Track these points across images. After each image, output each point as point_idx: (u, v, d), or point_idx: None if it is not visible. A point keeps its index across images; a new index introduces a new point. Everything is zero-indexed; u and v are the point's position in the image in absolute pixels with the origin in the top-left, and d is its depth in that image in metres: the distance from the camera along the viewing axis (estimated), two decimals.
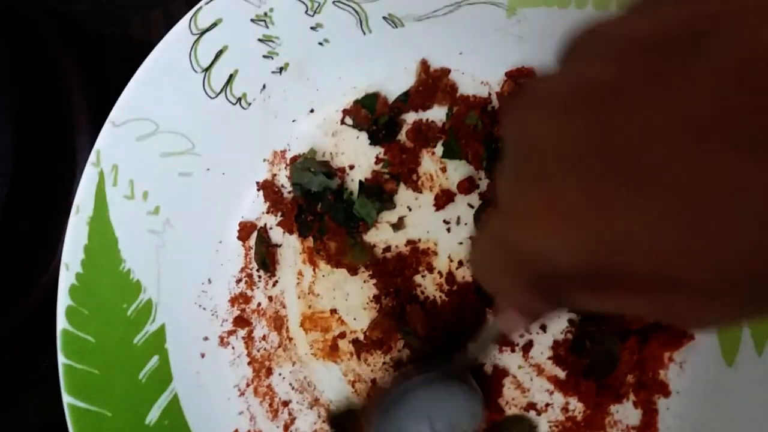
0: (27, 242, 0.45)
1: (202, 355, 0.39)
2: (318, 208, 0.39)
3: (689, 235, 0.13)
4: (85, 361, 0.35)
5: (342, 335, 0.39)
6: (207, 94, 0.37)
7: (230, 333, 0.40)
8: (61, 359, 0.35)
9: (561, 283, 0.16)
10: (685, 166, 0.12)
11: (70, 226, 0.35)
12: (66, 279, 0.35)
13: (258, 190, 0.40)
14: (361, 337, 0.38)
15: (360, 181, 0.38)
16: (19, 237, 0.44)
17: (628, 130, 0.13)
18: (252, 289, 0.41)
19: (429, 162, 0.38)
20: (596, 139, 0.13)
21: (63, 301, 0.35)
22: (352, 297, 0.39)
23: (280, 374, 0.40)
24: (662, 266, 0.13)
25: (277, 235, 0.41)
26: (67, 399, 0.34)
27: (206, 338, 0.40)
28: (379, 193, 0.38)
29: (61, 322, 0.35)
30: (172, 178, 0.38)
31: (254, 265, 0.40)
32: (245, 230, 0.40)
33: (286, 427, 0.39)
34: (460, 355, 0.32)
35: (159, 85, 0.36)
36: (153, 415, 0.37)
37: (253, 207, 0.41)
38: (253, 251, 0.40)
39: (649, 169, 0.13)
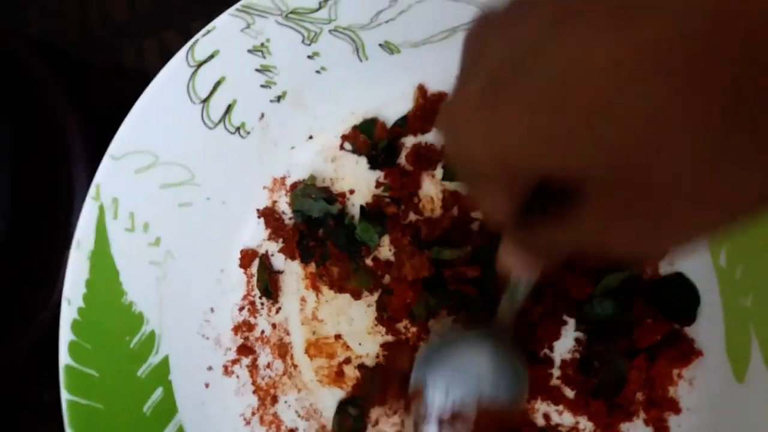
0: (25, 278, 0.45)
1: (207, 385, 0.39)
2: (319, 233, 0.39)
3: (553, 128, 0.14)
4: (89, 396, 0.35)
5: (347, 361, 0.38)
6: (206, 124, 0.37)
7: (234, 362, 0.40)
8: (65, 395, 0.34)
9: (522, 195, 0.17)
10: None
11: (71, 261, 0.35)
12: (68, 314, 0.35)
13: (259, 217, 0.40)
14: (367, 361, 0.38)
15: (361, 206, 0.38)
16: (18, 273, 0.44)
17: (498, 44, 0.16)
18: (255, 317, 0.40)
19: (429, 185, 0.38)
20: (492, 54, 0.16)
21: (65, 336, 0.35)
22: (357, 322, 0.39)
23: (285, 402, 0.39)
24: (561, 163, 0.15)
25: (278, 261, 0.40)
26: None
27: (210, 368, 0.39)
28: (380, 217, 0.38)
29: (64, 358, 0.35)
30: (173, 209, 0.38)
31: (256, 292, 0.40)
32: (247, 258, 0.40)
33: None
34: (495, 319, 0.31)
35: (157, 118, 0.36)
36: None
37: (254, 234, 0.40)
38: (255, 279, 0.40)
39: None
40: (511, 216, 0.18)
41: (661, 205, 0.15)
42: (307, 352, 0.39)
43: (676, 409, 0.31)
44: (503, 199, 0.18)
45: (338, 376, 0.38)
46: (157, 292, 0.38)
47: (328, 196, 0.39)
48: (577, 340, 0.34)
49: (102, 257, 0.36)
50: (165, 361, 0.38)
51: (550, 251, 0.20)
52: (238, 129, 0.38)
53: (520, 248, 0.22)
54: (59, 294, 0.45)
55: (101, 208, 0.35)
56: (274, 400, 0.39)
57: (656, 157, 0.14)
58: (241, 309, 0.40)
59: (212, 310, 0.40)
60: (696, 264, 0.33)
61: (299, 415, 0.39)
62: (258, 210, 0.40)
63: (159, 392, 0.37)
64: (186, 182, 0.38)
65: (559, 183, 0.16)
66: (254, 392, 0.40)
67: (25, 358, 0.47)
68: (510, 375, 0.31)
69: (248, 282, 0.41)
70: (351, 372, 0.38)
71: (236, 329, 0.40)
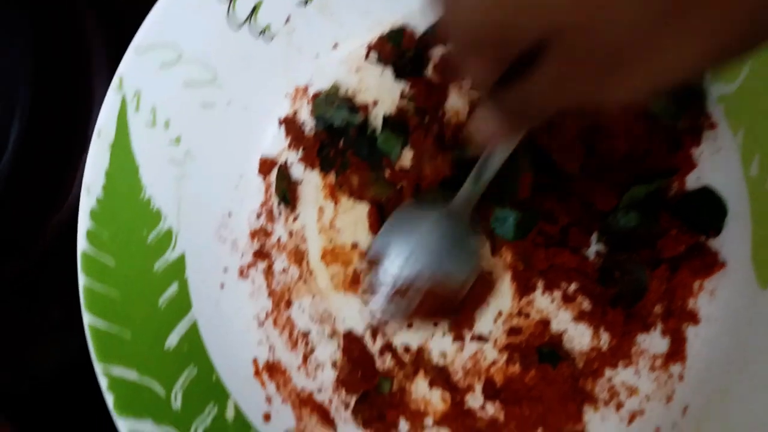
0: (41, 180, 0.45)
1: (222, 286, 0.39)
2: (340, 144, 0.39)
3: None
4: (106, 283, 0.35)
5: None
6: (231, 24, 0.37)
7: (250, 266, 0.40)
8: (82, 280, 0.35)
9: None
10: None
11: (91, 150, 0.35)
12: (87, 202, 0.35)
13: (279, 125, 0.40)
14: None
15: (384, 116, 0.37)
16: (34, 175, 0.44)
17: None
18: (272, 224, 0.40)
19: (456, 98, 0.37)
20: None
21: (84, 223, 0.35)
22: None
23: (299, 306, 0.39)
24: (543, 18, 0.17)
25: (297, 171, 0.40)
26: (88, 320, 0.34)
27: (226, 269, 0.40)
28: (403, 127, 0.37)
29: (82, 244, 0.35)
30: (194, 109, 0.38)
31: (274, 200, 0.40)
32: (266, 166, 0.40)
33: (305, 357, 0.39)
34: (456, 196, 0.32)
35: (183, 13, 0.36)
36: (172, 341, 0.37)
37: (274, 142, 0.40)
38: (273, 186, 0.40)
39: None
40: (492, 81, 0.20)
41: (613, 56, 0.17)
42: (323, 259, 0.39)
43: (695, 320, 0.31)
44: (490, 65, 0.20)
45: (353, 282, 0.38)
46: (175, 191, 0.38)
47: (351, 105, 0.38)
48: (597, 253, 0.34)
49: (122, 149, 0.36)
50: (181, 259, 0.38)
51: (523, 109, 0.22)
52: (263, 32, 0.38)
53: (496, 111, 0.23)
54: (75, 198, 0.46)
55: (123, 100, 0.35)
56: (288, 304, 0.40)
57: (610, 14, 0.16)
58: (259, 215, 0.40)
59: (230, 214, 0.40)
60: (724, 176, 0.32)
61: (312, 319, 0.39)
62: (279, 118, 0.40)
63: (174, 288, 0.38)
64: (209, 83, 0.38)
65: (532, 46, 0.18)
66: (269, 296, 0.40)
67: (36, 267, 0.48)
68: (464, 254, 0.33)
69: (266, 190, 0.40)
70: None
71: (253, 235, 0.40)
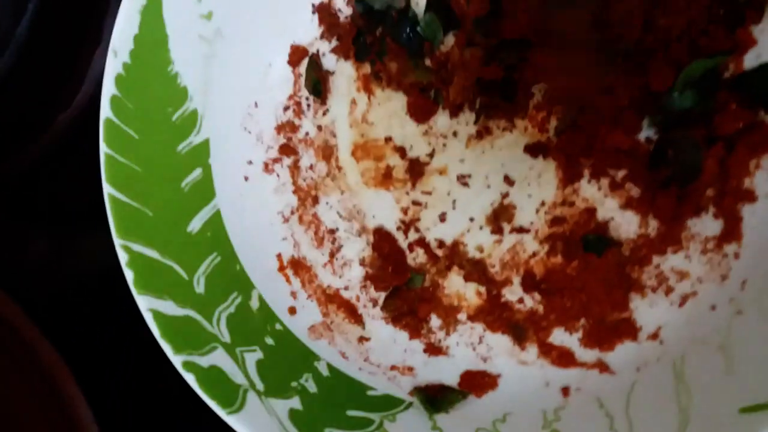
0: (50, 73, 0.42)
1: (246, 179, 0.37)
2: (378, 31, 0.37)
3: None
4: (128, 156, 0.33)
5: (396, 163, 0.37)
6: None
7: (275, 161, 0.38)
8: (103, 148, 0.32)
9: None
10: None
11: (121, 12, 0.33)
12: (113, 67, 0.33)
13: (313, 12, 0.38)
14: (422, 158, 0.36)
15: None
16: (43, 68, 0.41)
17: None
18: (300, 118, 0.38)
19: None
20: None
21: (108, 89, 0.33)
22: (410, 125, 0.37)
23: (327, 203, 0.38)
24: None
25: (329, 62, 0.38)
26: (107, 189, 0.32)
27: (250, 162, 0.38)
28: (447, 11, 0.36)
29: (105, 111, 0.33)
30: None
31: (303, 93, 0.38)
32: (296, 54, 0.38)
33: (332, 255, 0.37)
34: None
35: None
36: (195, 225, 0.34)
37: (307, 31, 0.38)
38: (303, 78, 0.38)
39: None
40: None
41: None
42: (353, 154, 0.38)
43: (751, 198, 0.30)
44: None
45: (386, 177, 0.37)
46: (203, 71, 0.36)
47: None
48: (647, 139, 0.33)
49: (152, 15, 0.34)
50: (205, 144, 0.36)
51: None
52: None
53: None
54: (84, 96, 0.43)
55: None
56: (315, 200, 0.38)
57: None
58: (286, 108, 0.39)
59: (256, 104, 0.38)
60: None
61: (341, 216, 0.37)
62: (313, 5, 0.38)
63: (198, 173, 0.35)
64: None
65: None
66: (294, 192, 0.38)
67: (40, 161, 0.45)
68: None
69: (296, 82, 0.39)
70: (400, 174, 0.37)
71: (279, 128, 0.38)
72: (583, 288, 0.32)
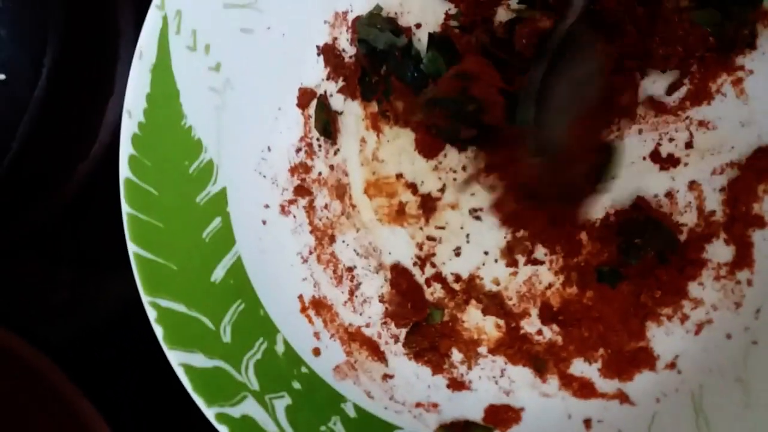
0: (68, 127, 0.43)
1: (264, 222, 0.38)
2: (382, 70, 0.38)
3: None
4: (149, 213, 0.34)
5: (408, 199, 0.37)
6: None
7: (291, 202, 0.39)
8: (125, 209, 0.33)
9: None
10: None
11: (133, 72, 0.34)
12: (128, 127, 0.34)
13: (318, 54, 0.39)
14: (433, 193, 0.37)
15: (429, 34, 0.37)
16: (61, 123, 0.42)
17: None
18: (312, 159, 0.39)
19: (504, 13, 0.36)
20: None
21: (125, 149, 0.34)
22: (419, 161, 0.37)
23: (343, 241, 0.38)
24: None
25: (337, 102, 0.39)
26: (132, 248, 0.33)
27: (267, 206, 0.38)
28: (448, 47, 0.36)
29: (124, 171, 0.34)
30: (234, 34, 0.36)
31: (314, 134, 0.39)
32: (305, 97, 0.39)
33: (351, 292, 0.38)
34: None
35: None
36: (218, 274, 0.35)
37: (313, 73, 0.39)
38: (312, 119, 0.39)
39: None
40: None
41: None
42: (366, 192, 0.38)
43: (761, 223, 0.31)
44: None
45: (399, 214, 0.38)
46: (216, 121, 0.37)
47: (394, 27, 0.37)
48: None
49: (163, 72, 0.34)
50: (223, 193, 0.37)
51: None
52: None
53: None
54: (100, 146, 0.44)
55: (165, 20, 0.34)
56: (332, 239, 0.39)
57: None
58: (298, 150, 0.39)
59: (269, 148, 0.39)
60: None
61: (357, 254, 0.38)
62: (318, 47, 0.39)
63: (217, 222, 0.36)
64: (248, 5, 0.36)
65: None
66: (311, 232, 0.39)
67: (63, 209, 0.46)
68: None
69: (305, 123, 0.39)
70: (413, 210, 0.37)
71: (293, 170, 0.39)
72: (600, 318, 0.33)
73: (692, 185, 0.32)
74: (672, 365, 0.31)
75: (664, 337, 0.32)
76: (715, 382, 0.29)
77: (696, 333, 0.31)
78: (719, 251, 0.31)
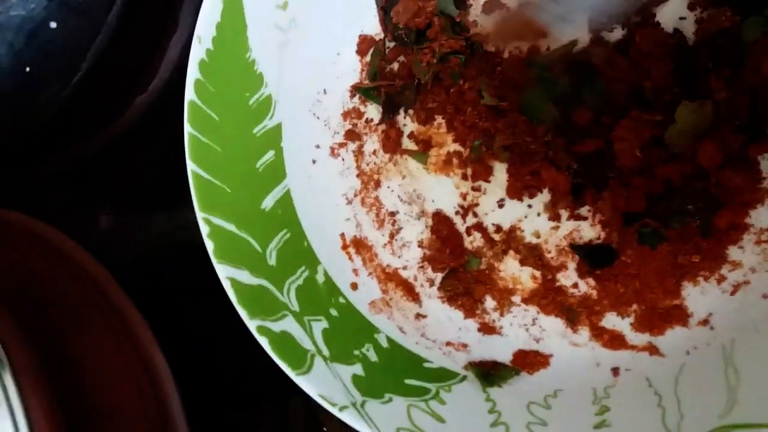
0: (133, 57, 0.45)
1: (314, 162, 0.40)
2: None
3: None
4: (209, 136, 0.36)
5: (458, 152, 0.38)
6: None
7: (341, 145, 0.40)
8: (188, 129, 0.35)
9: None
10: None
11: (205, 2, 0.35)
12: (197, 52, 0.35)
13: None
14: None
15: None
16: (128, 50, 0.44)
17: None
18: (365, 105, 0.41)
19: None
20: None
21: (192, 73, 0.35)
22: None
23: (388, 187, 0.40)
24: None
25: (393, 53, 0.40)
26: (191, 167, 0.35)
27: (318, 146, 0.40)
28: None
29: (190, 94, 0.35)
30: None
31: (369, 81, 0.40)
32: (364, 44, 0.40)
33: (392, 236, 0.39)
34: None
35: None
36: (268, 203, 0.37)
37: (375, 21, 0.40)
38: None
39: None
40: None
41: None
42: (415, 140, 0.39)
43: None
44: None
45: (446, 164, 0.39)
46: (278, 58, 0.38)
47: None
48: None
49: (234, 5, 0.36)
50: (278, 128, 0.38)
51: None
52: None
53: None
54: (159, 80, 0.46)
55: None
56: (377, 184, 0.40)
57: None
58: (352, 95, 0.41)
59: (325, 91, 0.40)
60: None
61: (401, 200, 0.39)
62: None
63: (271, 155, 0.38)
64: None
65: None
66: (358, 176, 0.40)
67: (116, 142, 0.48)
68: None
69: (362, 70, 0.41)
70: (460, 160, 0.38)
71: (345, 115, 0.41)
72: (637, 275, 0.34)
73: None
74: (705, 322, 0.31)
75: (699, 296, 0.32)
76: (748, 336, 0.29)
77: (732, 293, 0.31)
78: (762, 216, 0.31)
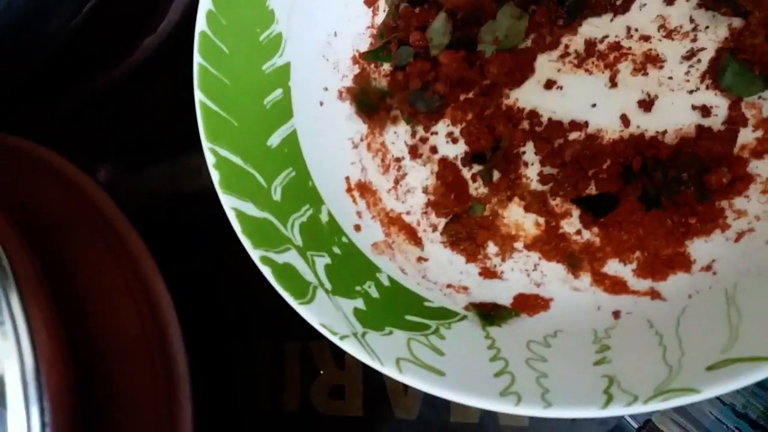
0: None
1: (321, 104, 0.39)
2: None
3: None
4: (219, 68, 0.35)
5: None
6: None
7: (349, 89, 0.40)
8: (197, 59, 0.35)
9: None
10: None
11: None
12: None
13: None
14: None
15: None
16: None
17: None
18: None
19: None
20: None
21: (205, 3, 0.35)
22: None
23: (395, 132, 0.39)
24: None
25: None
26: (199, 96, 0.34)
27: (326, 89, 0.40)
28: None
29: (201, 24, 0.35)
30: None
31: (380, 28, 0.40)
32: None
33: (397, 181, 0.39)
34: None
35: None
36: (274, 140, 0.37)
37: None
38: (382, 11, 0.40)
39: None
40: None
41: None
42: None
43: None
44: None
45: (454, 110, 0.38)
46: None
47: None
48: None
49: None
50: (287, 66, 0.38)
51: None
52: None
53: None
54: (168, 23, 0.46)
55: None
56: (384, 129, 0.40)
57: None
58: (360, 58, 0.40)
59: (335, 33, 0.40)
60: None
61: (407, 145, 0.39)
62: None
63: (279, 92, 0.38)
64: None
65: None
66: (364, 121, 0.40)
67: (123, 83, 0.48)
68: None
69: (373, 14, 0.40)
70: (467, 106, 0.38)
71: (355, 59, 0.40)
72: (641, 222, 0.34)
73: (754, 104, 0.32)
74: (708, 268, 0.31)
75: (703, 244, 0.32)
76: (751, 280, 0.29)
77: (736, 240, 0.31)
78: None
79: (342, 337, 0.31)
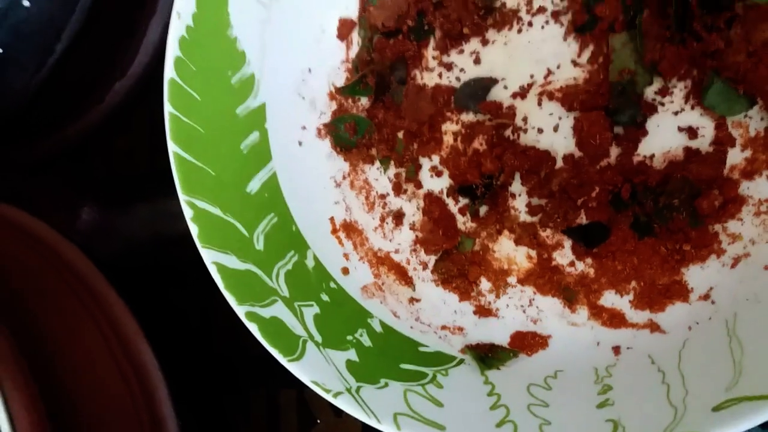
0: (110, 39, 0.44)
1: (300, 143, 0.38)
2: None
3: None
4: (191, 116, 0.34)
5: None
6: None
7: (327, 126, 0.39)
8: (168, 108, 0.34)
9: None
10: None
11: None
12: (177, 28, 0.34)
13: None
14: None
15: None
16: (104, 35, 0.43)
17: None
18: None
19: None
20: None
21: (172, 50, 0.34)
22: None
23: (377, 168, 0.38)
24: None
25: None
26: (172, 148, 0.33)
27: (304, 127, 0.39)
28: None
29: (170, 72, 0.34)
30: None
31: (354, 62, 0.39)
32: (345, 27, 0.39)
33: (383, 219, 0.38)
34: None
35: None
36: (254, 186, 0.36)
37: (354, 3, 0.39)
38: (354, 45, 0.39)
39: None
40: None
41: None
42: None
43: None
44: None
45: (436, 144, 0.37)
46: (260, 35, 0.37)
47: None
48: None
49: None
50: (262, 108, 0.37)
51: None
52: None
53: None
54: (138, 65, 0.44)
55: None
56: (364, 165, 0.39)
57: None
58: (335, 94, 0.39)
59: (309, 70, 0.39)
60: None
61: (390, 181, 0.38)
62: None
63: (255, 136, 0.37)
64: None
65: None
66: (345, 158, 0.39)
67: (96, 128, 0.47)
68: None
69: (347, 48, 0.39)
70: (449, 139, 0.37)
71: (332, 95, 0.39)
72: (635, 251, 0.33)
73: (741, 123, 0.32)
74: (706, 296, 0.31)
75: (699, 271, 0.31)
76: (750, 308, 0.28)
77: (732, 266, 0.31)
78: (761, 187, 0.31)
79: (336, 394, 0.29)
